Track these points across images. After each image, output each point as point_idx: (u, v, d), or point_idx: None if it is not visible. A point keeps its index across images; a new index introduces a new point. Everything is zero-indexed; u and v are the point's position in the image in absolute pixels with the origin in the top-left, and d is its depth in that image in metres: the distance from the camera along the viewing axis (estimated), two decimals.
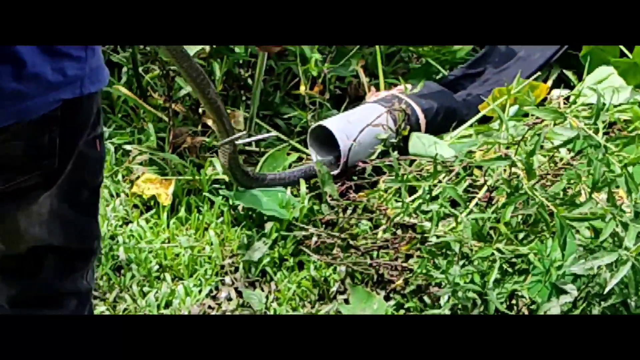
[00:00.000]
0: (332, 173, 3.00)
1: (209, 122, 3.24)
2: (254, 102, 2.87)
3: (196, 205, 2.98)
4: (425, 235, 2.64)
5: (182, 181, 3.03)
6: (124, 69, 3.44)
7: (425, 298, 2.61)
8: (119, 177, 3.07)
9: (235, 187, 2.94)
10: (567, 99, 3.18)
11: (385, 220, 2.81)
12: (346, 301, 2.65)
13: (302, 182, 2.98)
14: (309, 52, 3.29)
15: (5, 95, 1.50)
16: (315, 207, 2.93)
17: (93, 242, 1.76)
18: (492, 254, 2.31)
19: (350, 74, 3.47)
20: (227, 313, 2.63)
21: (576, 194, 2.21)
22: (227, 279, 2.75)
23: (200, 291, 2.68)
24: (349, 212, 2.92)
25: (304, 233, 2.80)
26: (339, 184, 3.00)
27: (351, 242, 2.76)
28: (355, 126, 3.08)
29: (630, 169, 2.01)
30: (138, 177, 3.02)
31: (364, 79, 3.47)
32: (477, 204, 2.68)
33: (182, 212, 2.95)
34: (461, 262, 2.41)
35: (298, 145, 3.22)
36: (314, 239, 2.78)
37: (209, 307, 2.65)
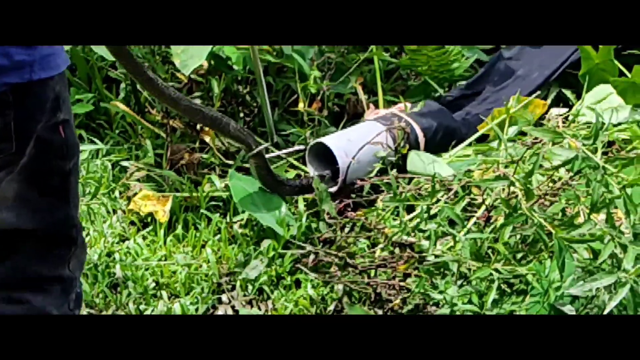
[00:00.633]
0: (330, 190, 2.99)
1: (207, 139, 3.23)
2: (266, 113, 2.85)
3: (193, 222, 2.97)
4: (423, 254, 2.63)
5: (179, 198, 3.02)
6: (122, 85, 3.44)
7: None
8: (116, 193, 3.06)
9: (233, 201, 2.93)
10: (566, 118, 3.17)
11: (383, 239, 2.80)
12: None
13: (300, 199, 2.97)
14: (307, 69, 3.29)
15: None
16: (313, 225, 2.92)
17: (71, 229, 1.77)
18: (490, 274, 2.30)
19: (349, 91, 3.46)
20: None
21: (575, 215, 2.20)
22: (224, 297, 2.73)
23: (197, 309, 2.67)
24: (346, 230, 2.91)
25: (301, 251, 2.79)
26: (337, 201, 2.99)
27: (349, 261, 2.74)
28: (355, 144, 3.08)
29: (628, 190, 2.00)
30: (135, 194, 3.01)
31: (363, 96, 3.46)
32: (475, 223, 2.67)
33: (179, 229, 2.94)
34: (459, 282, 2.40)
35: (296, 163, 3.21)
36: (312, 257, 2.77)
37: None
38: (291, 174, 3.16)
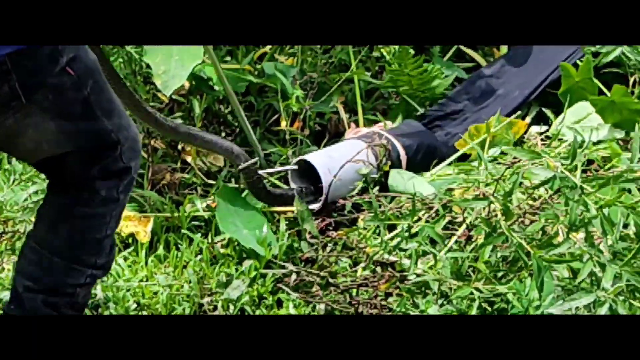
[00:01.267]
0: (313, 208, 3.00)
1: (188, 159, 3.23)
2: (246, 130, 2.88)
3: (175, 242, 2.96)
4: (405, 273, 2.63)
5: (160, 218, 3.02)
6: None
7: None
8: None
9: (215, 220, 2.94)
10: (546, 136, 3.18)
11: (364, 258, 2.80)
12: None
13: (282, 219, 2.98)
14: (290, 88, 3.31)
15: None
16: (295, 244, 2.92)
17: (108, 135, 2.13)
18: (471, 292, 2.31)
19: (331, 110, 3.48)
20: None
21: (554, 234, 2.22)
22: None
23: None
24: (328, 249, 2.91)
25: (283, 271, 2.79)
26: (319, 220, 3.00)
27: (330, 280, 2.74)
28: (337, 161, 3.09)
29: (605, 210, 2.01)
30: None
31: (344, 116, 3.48)
32: (456, 242, 2.68)
33: (160, 250, 2.93)
34: (440, 301, 2.40)
35: (277, 182, 3.22)
36: (293, 276, 2.77)
37: None
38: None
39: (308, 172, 3.10)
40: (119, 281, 2.80)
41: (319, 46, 3.52)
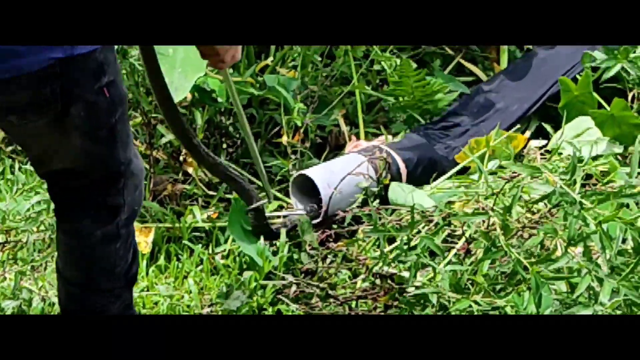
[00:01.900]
0: (313, 222, 3.02)
1: (190, 170, 3.25)
2: (259, 166, 2.87)
3: (175, 253, 2.98)
4: (404, 285, 2.65)
5: (162, 229, 3.03)
6: None
7: None
8: None
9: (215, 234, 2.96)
10: (547, 151, 3.20)
11: (364, 270, 2.81)
12: None
13: (283, 231, 2.99)
14: (292, 101, 3.32)
15: (4, 53, 1.89)
16: (295, 256, 2.94)
17: (119, 166, 2.17)
18: (470, 305, 2.32)
19: (332, 123, 3.49)
20: None
21: (553, 249, 2.23)
22: None
23: None
24: (328, 261, 2.93)
25: (283, 282, 2.80)
26: (319, 232, 3.01)
27: (330, 292, 2.76)
28: (337, 175, 3.10)
29: (605, 226, 2.02)
30: None
31: (345, 128, 3.49)
32: (455, 255, 2.69)
33: (161, 260, 2.95)
34: (439, 314, 2.41)
35: (278, 194, 3.23)
36: (293, 288, 2.78)
37: None
38: (274, 204, 3.18)
39: (308, 186, 3.11)
40: None
41: (320, 59, 3.54)
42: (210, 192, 3.26)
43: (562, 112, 3.30)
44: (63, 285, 2.29)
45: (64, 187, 2.20)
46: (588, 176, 2.95)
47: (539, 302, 2.03)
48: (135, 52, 3.11)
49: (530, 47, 3.78)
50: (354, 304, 2.74)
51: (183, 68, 3.02)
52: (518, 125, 3.38)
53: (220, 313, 2.75)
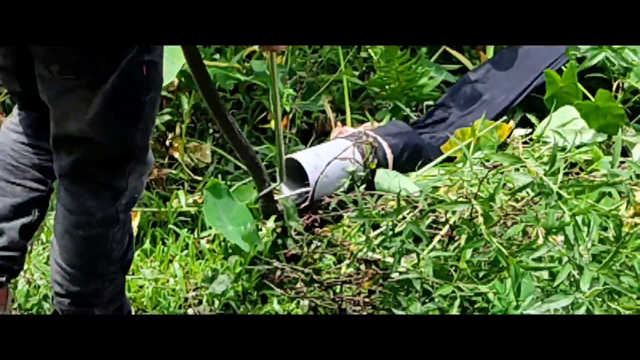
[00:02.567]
0: (299, 205, 3.03)
1: (176, 155, 3.26)
2: (279, 145, 2.88)
3: (161, 237, 2.99)
4: (388, 271, 2.66)
5: (147, 213, 3.04)
6: None
7: None
8: None
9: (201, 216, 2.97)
10: (530, 139, 3.22)
11: (349, 255, 2.83)
12: None
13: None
14: (281, 87, 3.33)
15: None
16: (280, 241, 2.95)
17: (132, 147, 2.15)
18: (453, 291, 2.34)
19: (318, 109, 3.50)
20: None
21: (535, 238, 2.25)
22: (191, 312, 2.76)
23: None
24: (313, 246, 2.94)
25: (268, 267, 2.82)
26: (306, 217, 3.02)
27: (315, 277, 2.77)
28: (324, 159, 3.12)
29: (581, 217, 2.04)
30: None
31: (331, 115, 3.51)
32: (439, 241, 2.71)
33: (147, 244, 2.96)
34: (422, 299, 2.43)
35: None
36: (278, 273, 2.80)
37: None
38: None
39: (295, 170, 3.13)
40: None
41: (308, 46, 3.55)
42: (196, 177, 3.27)
43: (547, 104, 3.31)
44: (58, 266, 2.29)
45: (73, 160, 2.17)
46: (572, 165, 2.98)
47: (519, 292, 2.05)
48: None
49: None
50: (338, 288, 2.75)
51: (169, 53, 3.01)
52: (505, 117, 3.40)
53: (205, 297, 2.76)
